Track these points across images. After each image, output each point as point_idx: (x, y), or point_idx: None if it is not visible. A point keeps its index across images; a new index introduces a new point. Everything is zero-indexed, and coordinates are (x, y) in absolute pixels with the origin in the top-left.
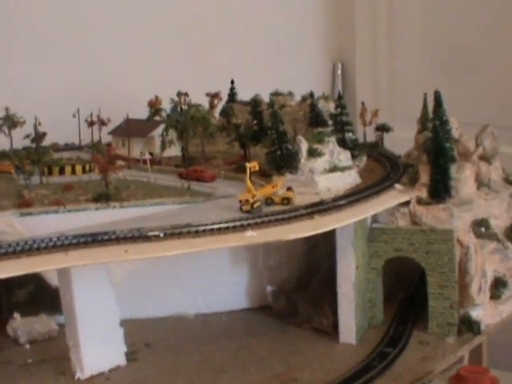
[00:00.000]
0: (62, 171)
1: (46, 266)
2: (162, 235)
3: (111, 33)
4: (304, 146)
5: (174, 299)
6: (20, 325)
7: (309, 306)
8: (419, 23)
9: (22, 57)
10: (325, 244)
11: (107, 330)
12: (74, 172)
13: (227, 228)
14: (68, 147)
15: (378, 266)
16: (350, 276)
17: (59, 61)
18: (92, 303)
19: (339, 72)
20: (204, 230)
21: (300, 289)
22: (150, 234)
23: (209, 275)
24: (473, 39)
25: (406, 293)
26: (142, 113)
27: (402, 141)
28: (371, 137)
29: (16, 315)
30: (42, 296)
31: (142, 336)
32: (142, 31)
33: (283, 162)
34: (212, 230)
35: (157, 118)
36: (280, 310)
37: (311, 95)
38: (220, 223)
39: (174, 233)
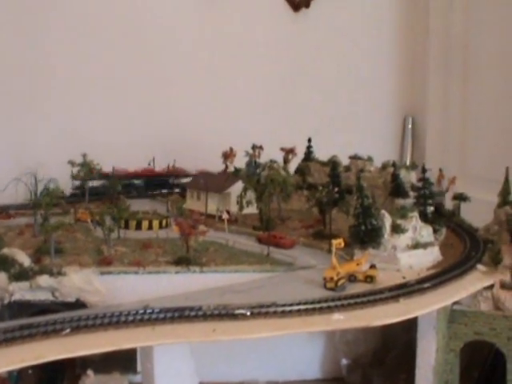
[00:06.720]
0: (138, 226)
1: (134, 342)
2: (248, 314)
3: (185, 83)
4: (388, 222)
5: (245, 365)
6: (93, 382)
7: (384, 382)
8: (495, 79)
9: (97, 105)
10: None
11: None
12: (150, 227)
13: (314, 309)
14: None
15: (457, 348)
16: (430, 358)
17: (135, 110)
18: (172, 372)
19: (409, 126)
20: (291, 311)
21: (375, 364)
22: (237, 312)
23: (284, 343)
24: None
25: (481, 374)
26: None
27: (475, 202)
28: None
29: (89, 372)
30: (115, 354)
31: None
32: (219, 84)
33: (367, 237)
34: (299, 310)
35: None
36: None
37: (393, 165)
38: (306, 303)
39: (261, 312)
